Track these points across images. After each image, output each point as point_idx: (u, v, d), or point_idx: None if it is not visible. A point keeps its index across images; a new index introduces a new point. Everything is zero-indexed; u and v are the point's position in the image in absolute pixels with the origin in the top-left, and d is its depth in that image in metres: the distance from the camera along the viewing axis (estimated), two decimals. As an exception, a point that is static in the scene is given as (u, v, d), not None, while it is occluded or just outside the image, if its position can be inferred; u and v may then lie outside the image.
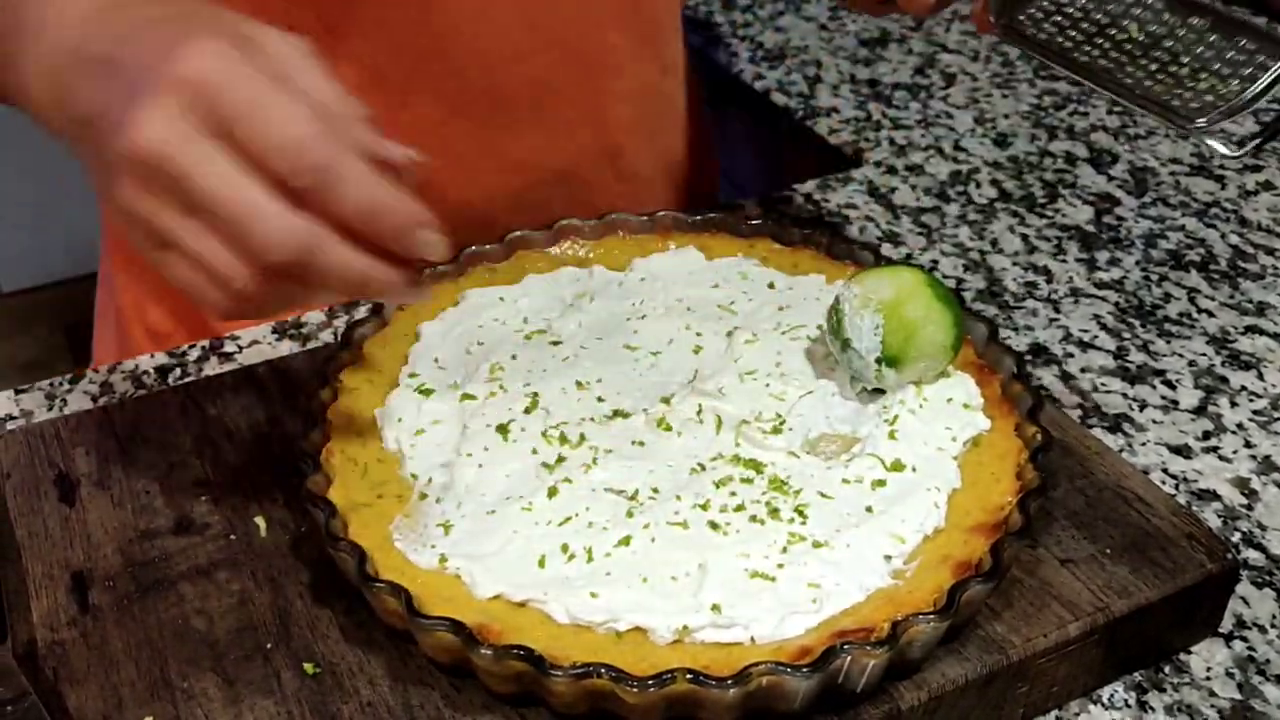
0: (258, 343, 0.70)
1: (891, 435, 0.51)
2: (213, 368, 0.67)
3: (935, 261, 0.76)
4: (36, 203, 2.05)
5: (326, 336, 0.70)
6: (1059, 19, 0.56)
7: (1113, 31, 0.55)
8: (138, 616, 0.47)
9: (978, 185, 0.84)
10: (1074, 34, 0.56)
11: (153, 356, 0.69)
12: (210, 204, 0.40)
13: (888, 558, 0.46)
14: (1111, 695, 0.50)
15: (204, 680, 0.45)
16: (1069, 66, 0.55)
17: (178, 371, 0.67)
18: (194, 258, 0.41)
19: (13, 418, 0.63)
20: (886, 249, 0.77)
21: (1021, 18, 0.57)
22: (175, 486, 0.53)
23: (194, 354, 0.69)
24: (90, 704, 0.44)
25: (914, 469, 0.49)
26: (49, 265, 2.19)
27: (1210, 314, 0.72)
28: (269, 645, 0.46)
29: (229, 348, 0.69)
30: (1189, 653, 0.51)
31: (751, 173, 1.05)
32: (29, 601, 0.47)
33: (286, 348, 0.69)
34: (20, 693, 0.42)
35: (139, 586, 0.48)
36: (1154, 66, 0.53)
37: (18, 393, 0.66)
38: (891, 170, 0.86)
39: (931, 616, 0.42)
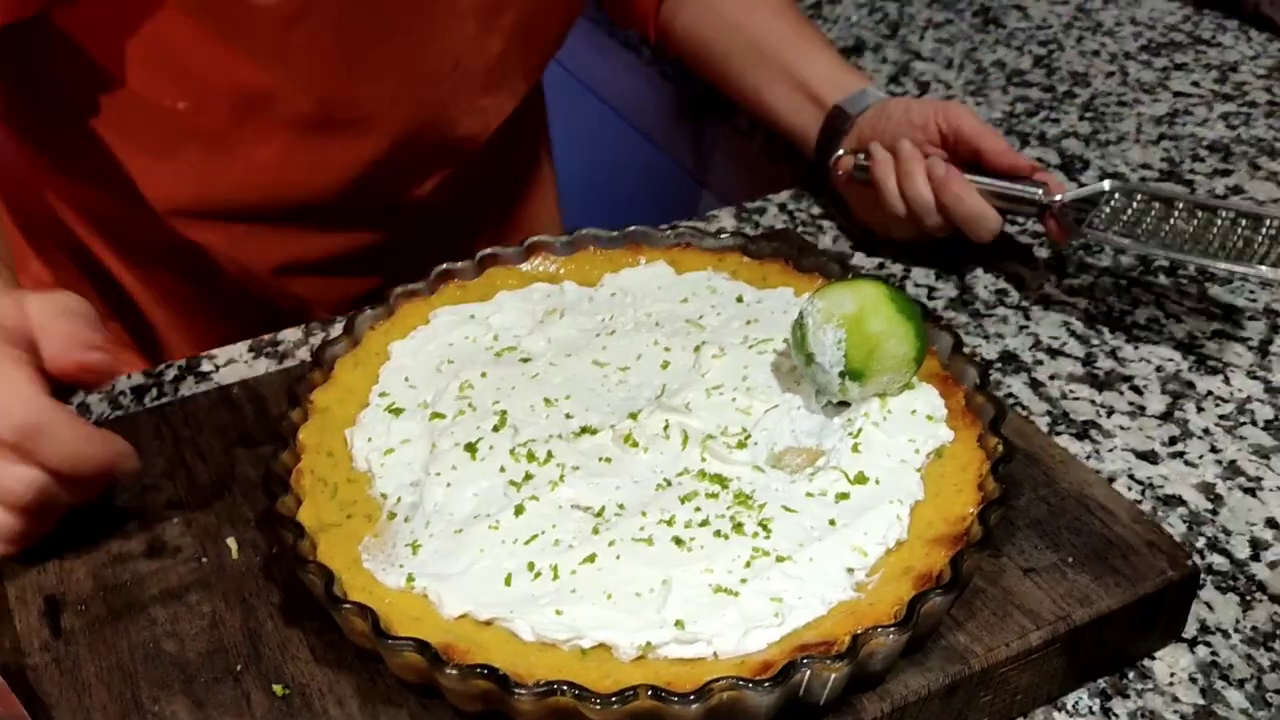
0: (234, 362, 0.70)
1: (855, 448, 0.52)
2: (189, 387, 0.68)
3: (907, 270, 0.77)
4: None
5: (303, 354, 0.70)
6: (1117, 228, 0.68)
7: (1173, 219, 0.68)
8: (109, 640, 0.48)
9: (950, 193, 0.85)
10: (1139, 230, 0.68)
11: (129, 377, 0.69)
12: None
13: (850, 570, 0.46)
14: (1076, 702, 0.50)
15: (174, 703, 0.45)
16: (1146, 250, 0.67)
17: (154, 391, 0.68)
18: None
19: (-11, 440, 0.64)
20: (860, 258, 0.78)
21: (1088, 230, 0.69)
22: (148, 509, 0.54)
23: (170, 374, 0.69)
24: (62, 729, 0.44)
25: (877, 481, 0.50)
26: None
27: (1178, 319, 0.72)
28: (239, 667, 0.46)
29: (205, 367, 0.70)
30: (1153, 659, 0.52)
31: (730, 184, 1.05)
32: (10, 623, 0.48)
33: (263, 366, 0.69)
34: (9, 713, 0.43)
35: (110, 610, 0.49)
36: (1215, 238, 0.66)
37: (-6, 415, 0.66)
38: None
39: (892, 629, 0.43)
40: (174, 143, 0.71)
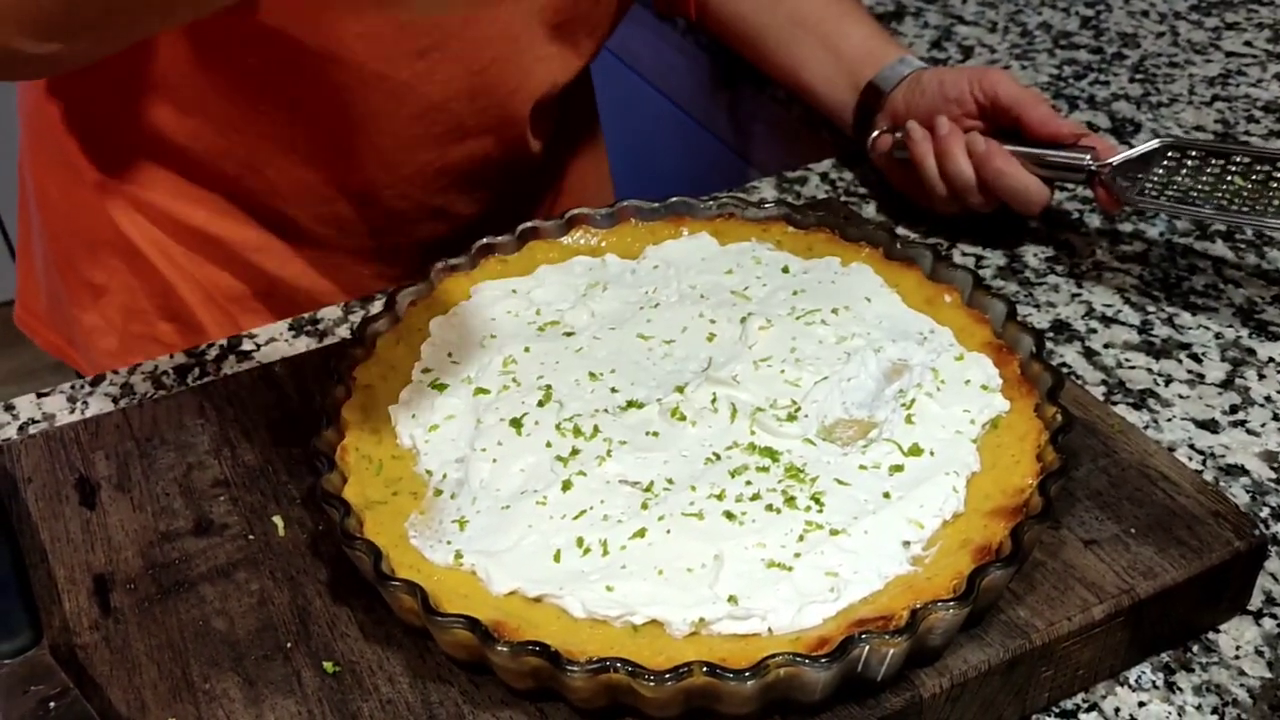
0: (275, 340, 0.70)
1: (908, 420, 0.50)
2: (231, 366, 0.68)
3: (953, 239, 0.75)
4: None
5: (343, 332, 0.70)
6: (1171, 191, 0.66)
7: (1227, 181, 0.65)
8: (159, 618, 0.48)
9: (996, 159, 0.83)
10: (1193, 194, 0.66)
11: (171, 357, 0.69)
12: None
13: (906, 544, 0.45)
14: (1139, 677, 0.49)
15: (225, 681, 0.45)
16: (1201, 214, 0.65)
17: (196, 370, 0.67)
18: None
19: (35, 421, 0.64)
20: (903, 229, 0.76)
21: (1139, 195, 0.66)
22: (194, 488, 0.54)
23: (212, 353, 0.69)
24: (114, 707, 0.44)
25: (932, 453, 0.49)
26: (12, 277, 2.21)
27: (1237, 284, 0.70)
28: (289, 644, 0.46)
29: (246, 345, 0.69)
30: (1217, 632, 0.50)
31: (768, 152, 1.03)
32: (59, 604, 0.48)
33: (303, 344, 0.69)
34: (62, 688, 0.43)
35: (160, 588, 0.49)
36: (1275, 194, 0.63)
37: (39, 396, 0.66)
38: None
39: (951, 603, 0.42)
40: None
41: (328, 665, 0.45)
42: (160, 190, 0.76)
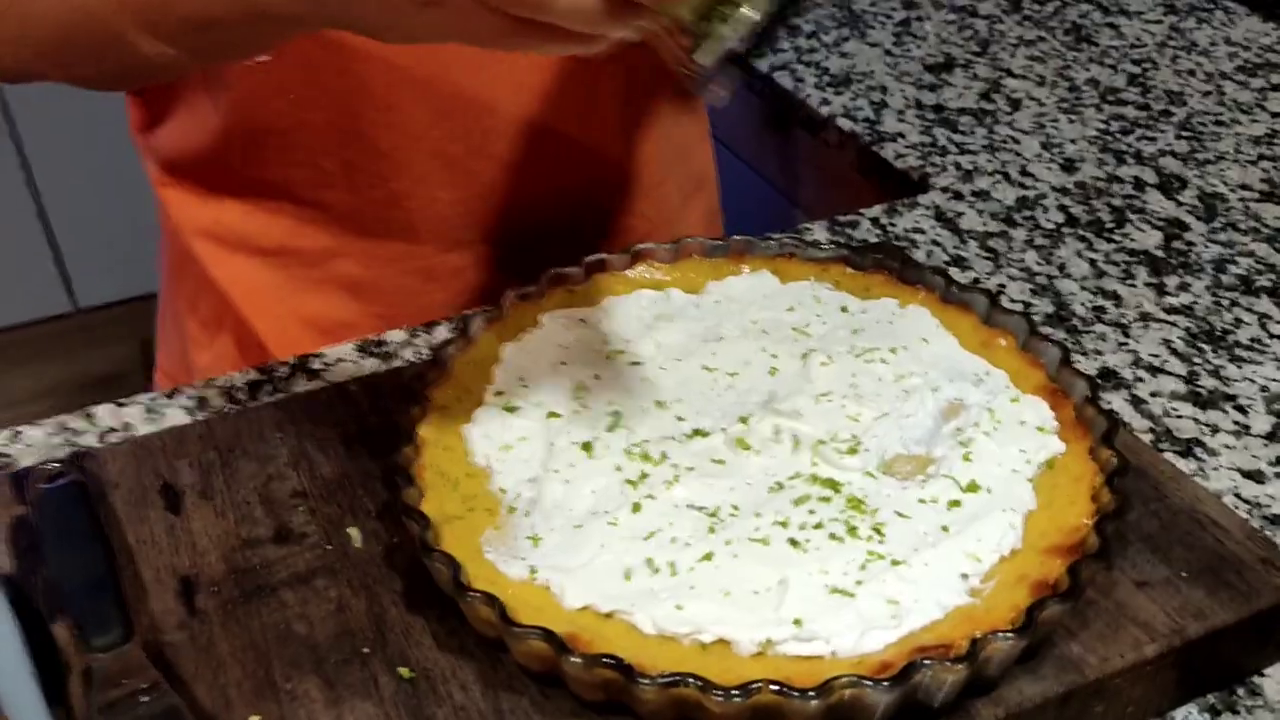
0: (343, 361, 0.73)
1: (966, 457, 0.52)
2: (301, 384, 0.70)
3: (1003, 286, 0.77)
4: (111, 219, 2.13)
5: (408, 355, 0.72)
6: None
7: None
8: (242, 620, 0.50)
9: (1045, 210, 0.85)
10: None
11: (245, 372, 0.72)
12: None
13: (964, 576, 0.47)
14: (1186, 717, 0.50)
15: (306, 682, 0.47)
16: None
17: (269, 387, 0.70)
18: None
19: (113, 430, 0.67)
20: (954, 273, 0.78)
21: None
22: (274, 497, 0.56)
23: (283, 371, 0.72)
24: (200, 703, 0.46)
25: (989, 490, 0.50)
26: (124, 281, 2.27)
27: (1282, 339, 0.72)
28: (366, 650, 0.48)
29: (315, 365, 0.72)
30: (1262, 675, 0.52)
31: (816, 196, 1.06)
32: (147, 603, 0.50)
33: (371, 365, 0.72)
34: (154, 682, 0.45)
35: (242, 592, 0.51)
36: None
37: (119, 405, 0.69)
38: (958, 195, 0.87)
39: (1011, 634, 0.43)
40: None
41: (403, 671, 0.47)
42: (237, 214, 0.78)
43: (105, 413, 0.68)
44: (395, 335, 0.75)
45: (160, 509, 0.55)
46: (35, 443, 0.66)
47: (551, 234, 0.80)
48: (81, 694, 0.46)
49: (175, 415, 0.68)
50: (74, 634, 0.48)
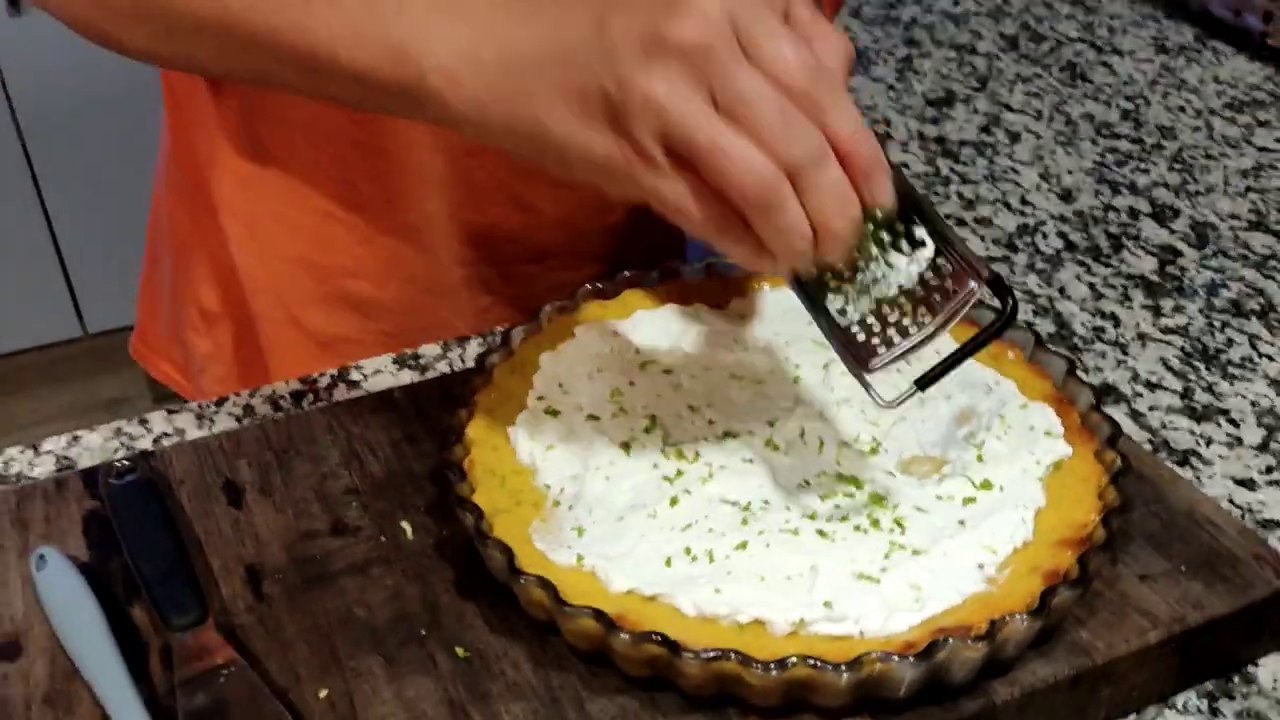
0: (380, 372, 0.76)
1: (979, 458, 0.56)
2: (341, 394, 0.74)
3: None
4: (121, 245, 2.17)
5: (443, 367, 0.76)
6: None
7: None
8: (305, 605, 0.53)
9: (1044, 237, 0.90)
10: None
11: (287, 383, 0.75)
12: (750, 98, 0.43)
13: (981, 566, 0.51)
14: (1185, 702, 0.54)
15: (369, 660, 0.50)
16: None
17: (310, 397, 0.74)
18: (699, 162, 0.43)
19: (167, 435, 0.70)
20: (960, 294, 0.82)
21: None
22: (328, 494, 0.59)
23: (324, 381, 0.75)
24: (271, 678, 0.49)
25: (1001, 488, 0.54)
26: (133, 306, 2.30)
27: (1271, 359, 0.76)
28: (422, 632, 0.52)
29: (354, 376, 0.76)
30: (1256, 665, 0.55)
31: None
32: (217, 589, 0.53)
33: (407, 377, 0.75)
34: (230, 659, 0.48)
35: (304, 579, 0.54)
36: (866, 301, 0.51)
37: (170, 413, 0.73)
38: (961, 223, 0.91)
39: (1026, 617, 0.47)
40: None
41: (459, 651, 0.51)
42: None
43: (158, 419, 0.72)
44: (430, 349, 0.78)
45: (224, 504, 0.59)
46: (93, 447, 0.69)
47: (559, 253, 0.83)
48: (162, 670, 0.49)
49: (224, 421, 0.71)
50: (152, 616, 0.51)
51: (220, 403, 0.73)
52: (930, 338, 0.50)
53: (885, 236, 0.49)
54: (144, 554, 0.53)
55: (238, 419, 0.72)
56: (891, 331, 0.50)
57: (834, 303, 0.50)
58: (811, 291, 0.51)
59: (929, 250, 0.49)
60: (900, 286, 0.49)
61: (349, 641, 0.51)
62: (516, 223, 0.81)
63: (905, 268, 0.49)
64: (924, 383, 0.50)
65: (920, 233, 0.49)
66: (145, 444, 0.69)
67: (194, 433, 0.70)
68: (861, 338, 0.50)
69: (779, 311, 0.67)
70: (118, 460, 0.60)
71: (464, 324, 0.83)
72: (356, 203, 0.79)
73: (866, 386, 0.50)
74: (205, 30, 0.55)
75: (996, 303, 0.50)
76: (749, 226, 0.45)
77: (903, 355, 0.50)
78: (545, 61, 0.46)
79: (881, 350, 0.50)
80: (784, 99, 0.44)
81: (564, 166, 0.47)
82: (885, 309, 0.50)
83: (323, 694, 0.49)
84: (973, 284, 0.49)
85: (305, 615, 0.52)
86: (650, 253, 0.78)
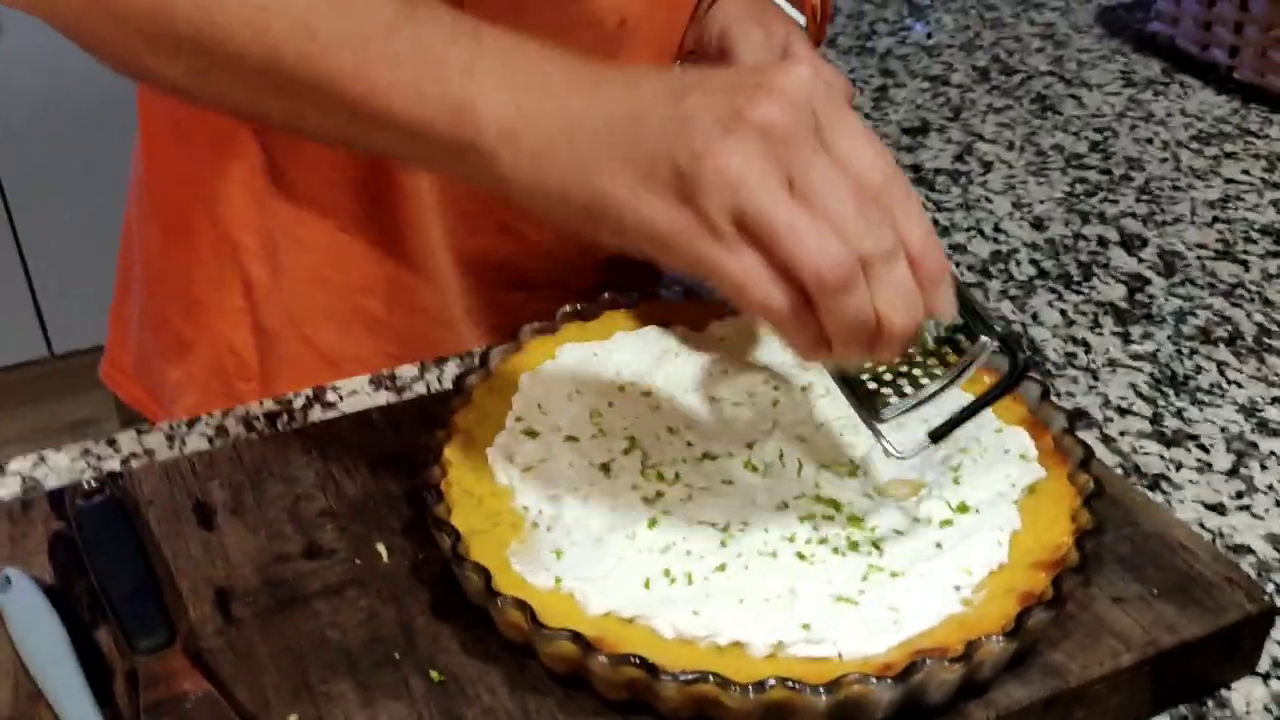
0: (356, 393, 0.76)
1: (955, 481, 0.56)
2: (317, 415, 0.73)
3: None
4: (89, 267, 2.15)
5: (419, 388, 0.76)
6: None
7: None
8: (277, 628, 0.52)
9: (1017, 264, 0.91)
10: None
11: (261, 404, 0.75)
12: (828, 186, 0.43)
13: (957, 588, 0.51)
14: (1160, 726, 0.54)
15: (341, 684, 0.50)
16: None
17: (285, 417, 0.73)
18: (773, 240, 0.43)
19: (136, 456, 0.69)
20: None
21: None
22: (303, 516, 0.59)
23: (299, 402, 0.75)
24: (240, 704, 0.49)
25: (977, 510, 0.54)
26: (100, 328, 2.28)
27: (1239, 385, 0.77)
28: (397, 655, 0.51)
29: (330, 397, 0.75)
30: (1229, 689, 0.56)
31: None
32: (185, 612, 0.52)
33: (383, 398, 0.75)
34: (197, 685, 0.47)
35: (277, 602, 0.54)
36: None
37: (139, 433, 0.72)
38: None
39: (1001, 638, 0.47)
40: None
41: (434, 674, 0.50)
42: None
43: (127, 440, 0.71)
44: (407, 370, 0.78)
45: (194, 525, 0.58)
46: (60, 467, 0.68)
47: (546, 284, 0.83)
48: (127, 695, 0.48)
49: (196, 442, 0.70)
50: (118, 639, 0.50)
51: (192, 423, 0.72)
52: (942, 390, 0.51)
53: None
54: (110, 576, 0.52)
55: (210, 439, 0.71)
56: (904, 383, 0.52)
57: None
58: None
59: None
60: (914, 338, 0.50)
61: (321, 665, 0.50)
62: (506, 250, 0.81)
63: (922, 335, 0.50)
64: (937, 435, 0.51)
65: None
66: (113, 465, 0.68)
67: (164, 453, 0.69)
68: (873, 387, 0.51)
69: (759, 334, 0.68)
70: (85, 481, 0.59)
71: (473, 346, 0.83)
72: (367, 228, 0.79)
73: (878, 436, 0.52)
74: (246, 68, 0.53)
75: (1006, 358, 0.51)
76: (810, 312, 0.44)
77: (914, 407, 0.51)
78: (614, 129, 0.45)
79: (894, 400, 0.51)
80: (860, 194, 0.44)
81: (619, 236, 0.46)
82: (898, 360, 0.51)
83: (292, 719, 0.48)
84: (984, 339, 0.50)
85: (276, 638, 0.52)
86: (637, 287, 0.79)
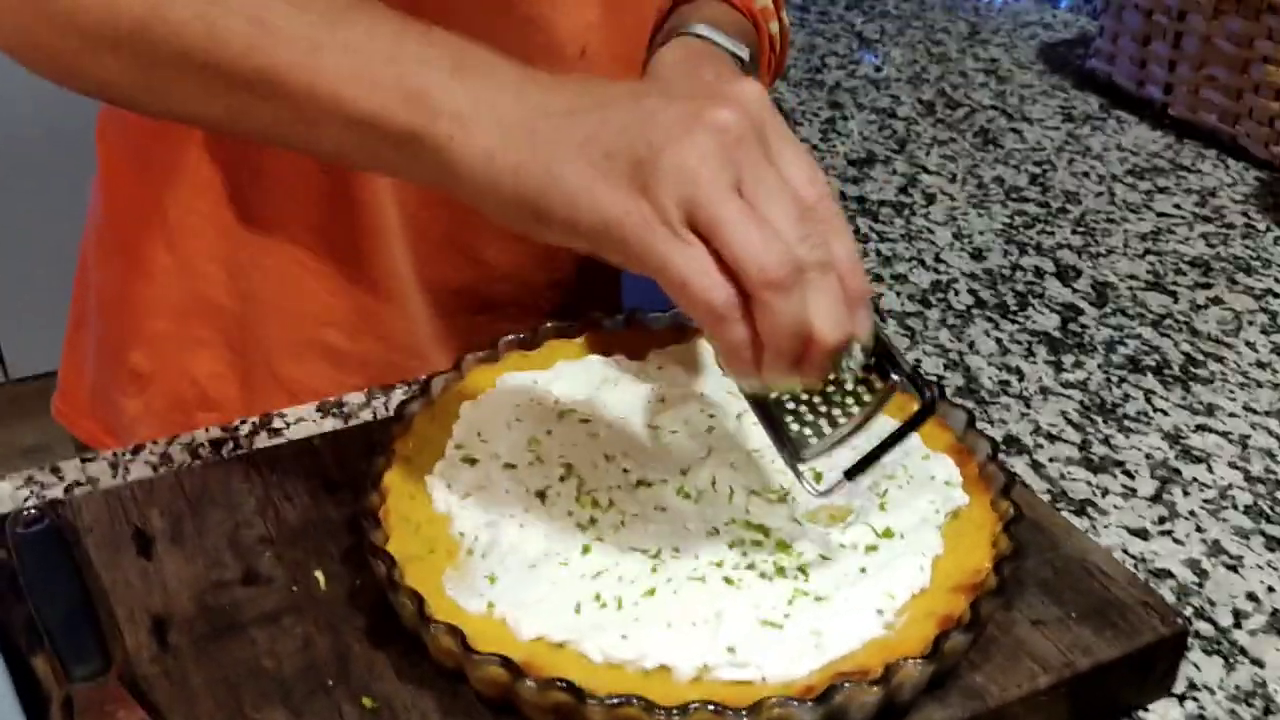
0: (303, 420, 0.76)
1: (882, 507, 0.58)
2: (263, 441, 0.74)
3: (919, 360, 0.84)
4: (43, 292, 2.13)
5: (366, 415, 0.77)
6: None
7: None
8: (213, 655, 0.53)
9: (956, 293, 0.93)
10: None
11: (207, 430, 0.75)
12: (774, 193, 0.45)
13: (880, 611, 0.52)
14: (1078, 746, 0.55)
15: (275, 713, 0.50)
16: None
17: (230, 444, 0.74)
18: (722, 234, 0.44)
19: (80, 484, 0.70)
20: (874, 349, 0.85)
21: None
22: (242, 543, 0.59)
23: (245, 429, 0.75)
24: (174, 730, 0.49)
25: (902, 536, 0.56)
26: (54, 353, 2.26)
27: (1165, 413, 0.80)
28: (330, 683, 0.52)
29: (277, 424, 0.76)
30: (1146, 710, 0.57)
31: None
32: (121, 640, 0.53)
33: (330, 425, 0.76)
34: (132, 713, 0.48)
35: (213, 630, 0.54)
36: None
37: (84, 461, 0.72)
38: (878, 278, 0.95)
39: (920, 661, 0.49)
40: None
41: (366, 701, 0.51)
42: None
43: (71, 468, 0.71)
44: (354, 398, 0.79)
45: (132, 554, 0.58)
46: (3, 495, 0.68)
47: (506, 305, 0.84)
48: (61, 721, 0.49)
49: (140, 470, 0.71)
50: (54, 666, 0.51)
51: (136, 450, 0.73)
52: (857, 429, 0.53)
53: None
54: (47, 603, 0.53)
55: (154, 467, 0.71)
56: (823, 423, 0.54)
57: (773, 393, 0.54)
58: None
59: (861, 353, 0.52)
60: (831, 378, 0.52)
61: (255, 693, 0.51)
62: (468, 276, 0.82)
63: (842, 362, 0.51)
64: (852, 473, 0.54)
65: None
66: (57, 492, 0.68)
67: (108, 481, 0.70)
68: (795, 429, 0.54)
69: (695, 363, 0.69)
70: (25, 509, 0.59)
71: None
72: (328, 253, 0.79)
73: (799, 475, 0.54)
74: (191, 65, 0.52)
75: (915, 393, 0.53)
76: (746, 315, 0.45)
77: (833, 446, 0.54)
78: (574, 117, 0.46)
79: (813, 441, 0.54)
80: (800, 206, 0.46)
81: (570, 226, 0.46)
82: (816, 399, 0.54)
83: (227, 746, 0.49)
84: (894, 376, 0.52)
85: (212, 666, 0.52)
86: (595, 309, 0.80)
